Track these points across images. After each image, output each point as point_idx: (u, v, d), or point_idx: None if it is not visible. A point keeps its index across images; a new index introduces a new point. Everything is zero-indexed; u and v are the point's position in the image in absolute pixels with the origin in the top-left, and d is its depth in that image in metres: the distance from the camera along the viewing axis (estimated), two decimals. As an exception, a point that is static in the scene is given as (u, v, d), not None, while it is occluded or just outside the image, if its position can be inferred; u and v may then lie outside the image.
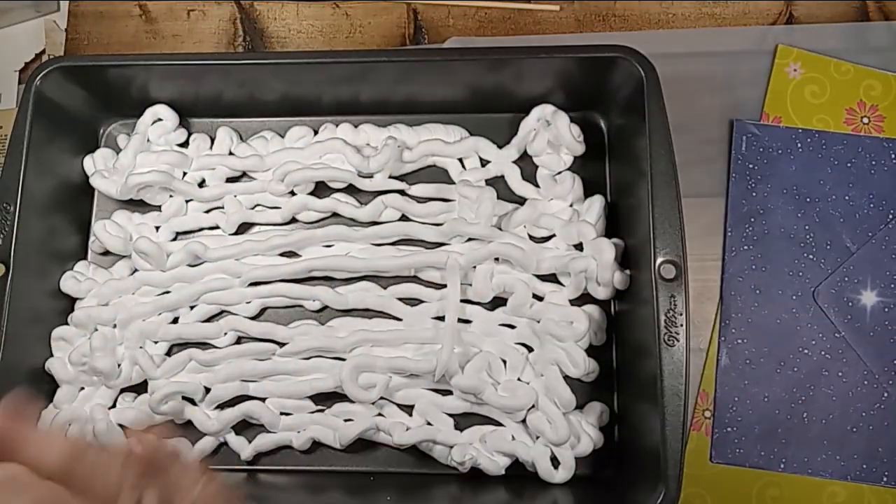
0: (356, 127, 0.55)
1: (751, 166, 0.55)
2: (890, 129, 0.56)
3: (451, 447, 0.48)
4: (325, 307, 0.52)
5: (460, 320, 0.50)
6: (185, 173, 0.55)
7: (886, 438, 0.51)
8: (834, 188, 0.55)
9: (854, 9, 0.59)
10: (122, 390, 0.52)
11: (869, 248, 0.54)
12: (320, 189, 0.54)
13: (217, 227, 0.54)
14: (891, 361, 0.52)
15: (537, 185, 0.53)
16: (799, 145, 0.56)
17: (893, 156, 0.55)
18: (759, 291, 0.54)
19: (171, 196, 0.54)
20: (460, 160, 0.54)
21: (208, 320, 0.52)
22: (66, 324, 0.52)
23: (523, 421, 0.49)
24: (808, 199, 0.55)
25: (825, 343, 0.53)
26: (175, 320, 0.52)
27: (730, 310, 0.53)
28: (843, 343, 0.53)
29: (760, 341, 0.53)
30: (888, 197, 0.55)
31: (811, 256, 0.54)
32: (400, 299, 0.52)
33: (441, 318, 0.50)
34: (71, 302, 0.53)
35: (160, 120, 0.55)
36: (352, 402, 0.50)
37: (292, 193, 0.54)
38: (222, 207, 0.54)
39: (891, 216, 0.54)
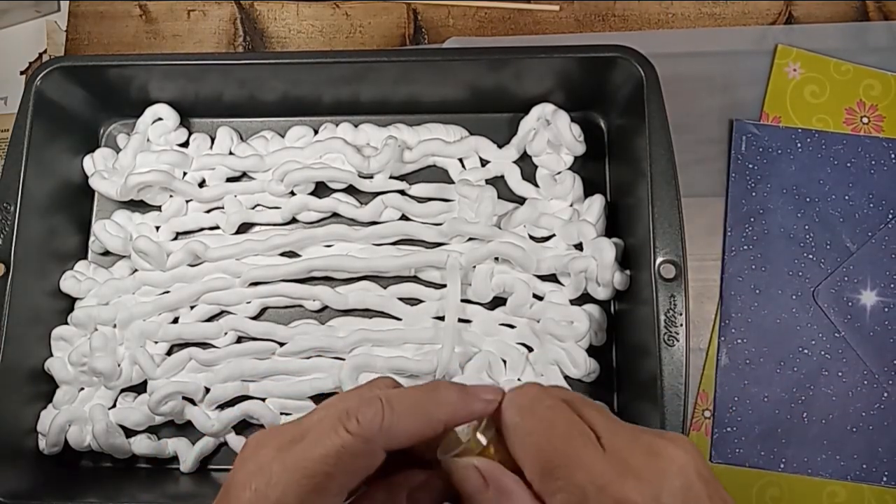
0: (356, 127, 0.55)
1: (750, 166, 0.56)
2: (889, 128, 0.56)
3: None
4: (325, 307, 0.52)
5: (460, 320, 0.50)
6: (185, 173, 0.55)
7: (886, 438, 0.51)
8: (833, 188, 0.55)
9: (854, 9, 0.59)
10: (122, 390, 0.52)
11: (869, 248, 0.54)
12: (320, 189, 0.54)
13: (217, 227, 0.54)
14: (891, 361, 0.52)
15: (537, 185, 0.53)
16: (798, 145, 0.56)
17: (893, 156, 0.55)
18: (758, 291, 0.54)
19: (171, 196, 0.54)
20: (460, 160, 0.54)
21: (208, 320, 0.52)
22: (66, 324, 0.52)
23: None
24: (807, 199, 0.55)
25: (825, 343, 0.53)
26: (175, 320, 0.52)
27: (729, 310, 0.53)
28: (842, 343, 0.53)
29: (760, 341, 0.53)
30: (888, 197, 0.55)
31: (811, 256, 0.54)
32: (400, 299, 0.52)
33: (441, 318, 0.50)
34: (71, 302, 0.53)
35: (160, 119, 0.55)
36: (352, 401, 0.50)
37: (292, 193, 0.54)
38: (222, 207, 0.54)
39: (891, 216, 0.54)
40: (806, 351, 0.53)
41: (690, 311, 0.45)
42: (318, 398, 0.50)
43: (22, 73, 0.62)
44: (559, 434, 0.27)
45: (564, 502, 0.26)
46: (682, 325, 0.44)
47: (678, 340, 0.44)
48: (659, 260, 0.45)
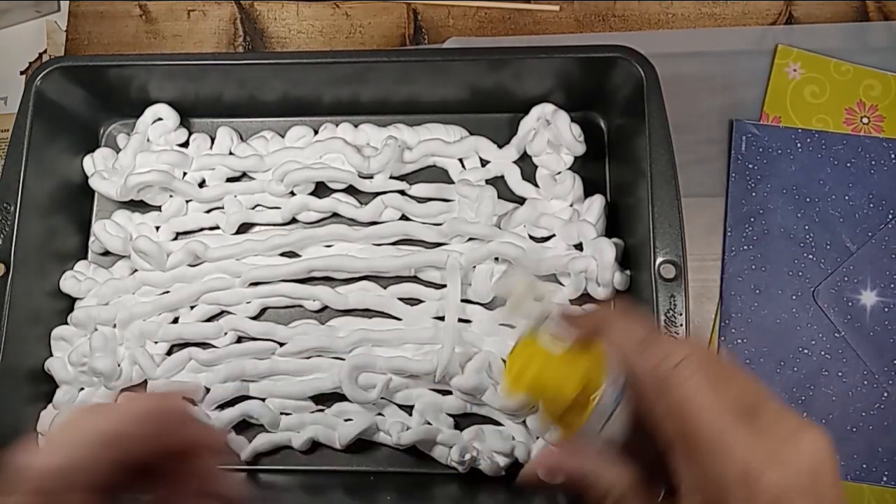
0: (356, 127, 0.55)
1: (750, 166, 0.56)
2: (889, 129, 0.56)
3: (451, 447, 0.48)
4: (325, 307, 0.52)
5: (460, 320, 0.50)
6: (185, 173, 0.55)
7: (886, 438, 0.51)
8: (834, 188, 0.55)
9: (854, 9, 0.59)
10: (122, 390, 0.52)
11: (869, 248, 0.54)
12: (320, 189, 0.54)
13: (217, 228, 0.54)
14: (891, 361, 0.52)
15: (537, 185, 0.53)
16: (798, 145, 0.56)
17: (893, 156, 0.55)
18: (758, 291, 0.54)
19: (171, 196, 0.54)
20: (460, 160, 0.54)
21: (208, 320, 0.52)
22: (66, 324, 0.52)
23: (524, 421, 0.49)
24: (807, 199, 0.55)
25: (825, 343, 0.53)
26: (175, 320, 0.52)
27: (730, 310, 0.53)
28: (842, 343, 0.53)
29: (760, 341, 0.53)
30: (888, 197, 0.55)
31: (811, 256, 0.54)
32: (400, 299, 0.52)
33: (441, 318, 0.50)
34: (71, 302, 0.53)
35: (160, 119, 0.55)
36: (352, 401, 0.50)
37: (292, 193, 0.54)
38: (222, 207, 0.54)
39: (890, 216, 0.54)
40: (806, 351, 0.53)
41: (690, 311, 0.45)
42: (317, 398, 0.50)
43: (22, 73, 0.62)
44: (729, 406, 0.27)
45: (699, 476, 0.27)
46: (682, 325, 0.44)
47: (678, 340, 0.44)
48: (659, 260, 0.45)
